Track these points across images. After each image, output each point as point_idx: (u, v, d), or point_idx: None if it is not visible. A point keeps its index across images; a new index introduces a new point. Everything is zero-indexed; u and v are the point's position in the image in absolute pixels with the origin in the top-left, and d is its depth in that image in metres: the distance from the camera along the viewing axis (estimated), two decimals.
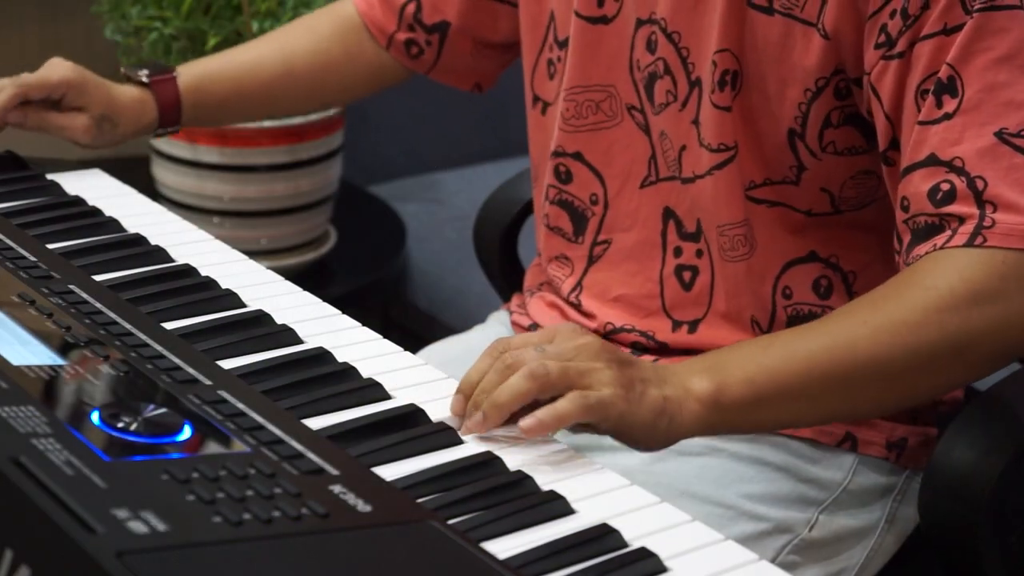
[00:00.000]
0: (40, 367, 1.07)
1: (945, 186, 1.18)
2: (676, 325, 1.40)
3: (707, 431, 1.13)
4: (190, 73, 1.61)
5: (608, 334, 1.43)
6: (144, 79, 1.58)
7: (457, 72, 1.65)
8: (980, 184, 1.16)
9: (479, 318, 1.66)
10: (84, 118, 1.53)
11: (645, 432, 1.09)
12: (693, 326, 1.39)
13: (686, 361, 1.16)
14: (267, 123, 2.15)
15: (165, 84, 1.58)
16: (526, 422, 1.05)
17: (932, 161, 1.19)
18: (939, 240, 1.17)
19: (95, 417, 1.00)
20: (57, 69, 1.54)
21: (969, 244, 1.15)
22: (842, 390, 1.16)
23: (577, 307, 1.46)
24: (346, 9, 1.66)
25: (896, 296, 1.16)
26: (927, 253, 1.17)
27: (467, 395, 1.09)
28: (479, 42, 1.61)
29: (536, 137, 1.51)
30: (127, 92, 1.57)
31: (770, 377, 1.13)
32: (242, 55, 1.66)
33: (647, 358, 1.40)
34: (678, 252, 1.39)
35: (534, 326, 1.50)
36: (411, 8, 1.60)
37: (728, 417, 1.13)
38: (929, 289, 1.15)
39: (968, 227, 1.16)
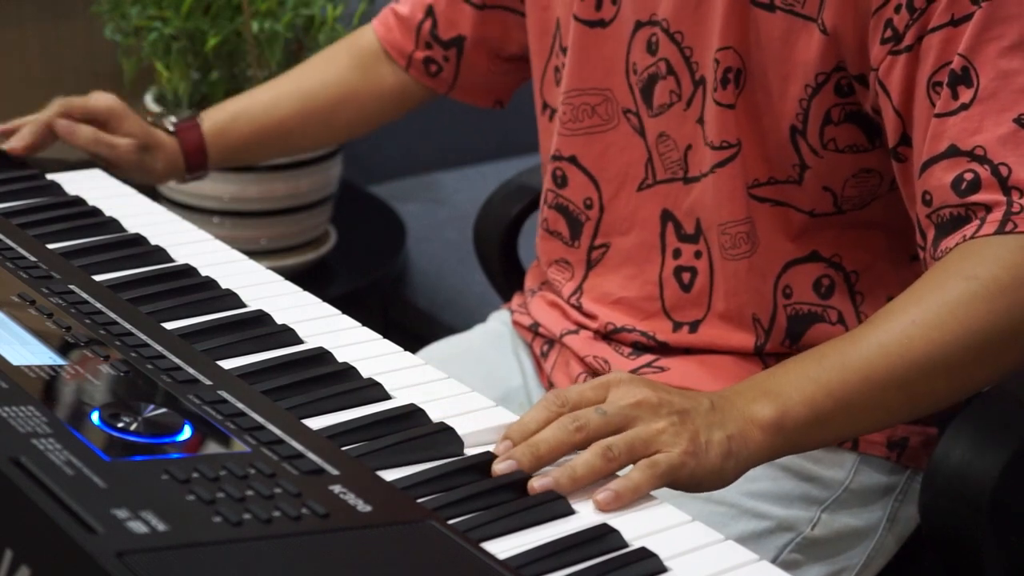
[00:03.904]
0: (40, 367, 1.07)
1: (969, 176, 1.17)
2: (677, 326, 1.40)
3: (771, 457, 1.11)
4: (212, 118, 1.64)
5: (609, 333, 1.43)
6: (170, 127, 1.62)
7: (476, 89, 1.66)
8: (1004, 171, 1.16)
9: (479, 318, 1.66)
10: (130, 142, 1.57)
11: (714, 477, 1.07)
12: (694, 326, 1.39)
13: (738, 387, 1.13)
14: None
15: (189, 131, 1.62)
16: (603, 496, 1.01)
17: (953, 152, 1.18)
18: (968, 230, 1.16)
19: (95, 417, 1.00)
20: (101, 97, 1.58)
21: (1000, 231, 1.15)
22: (902, 393, 1.14)
23: (578, 308, 1.47)
24: (364, 38, 1.68)
25: (938, 290, 1.14)
26: (956, 244, 1.17)
27: (517, 443, 1.05)
28: (495, 55, 1.62)
29: (544, 143, 1.52)
30: (163, 134, 1.62)
31: (829, 393, 1.11)
32: (262, 95, 1.69)
33: (647, 357, 1.41)
34: (677, 254, 1.39)
35: (535, 325, 1.50)
36: (427, 25, 1.62)
37: (792, 439, 1.11)
38: (971, 279, 1.13)
39: (996, 215, 1.15)
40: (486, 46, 1.61)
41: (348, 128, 1.74)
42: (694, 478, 1.06)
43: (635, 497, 1.02)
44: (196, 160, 1.63)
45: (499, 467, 1.02)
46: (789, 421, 1.10)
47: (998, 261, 1.14)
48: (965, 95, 1.18)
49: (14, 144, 1.55)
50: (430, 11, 1.62)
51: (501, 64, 1.63)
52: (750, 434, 1.08)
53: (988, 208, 1.16)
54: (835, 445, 1.36)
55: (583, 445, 1.04)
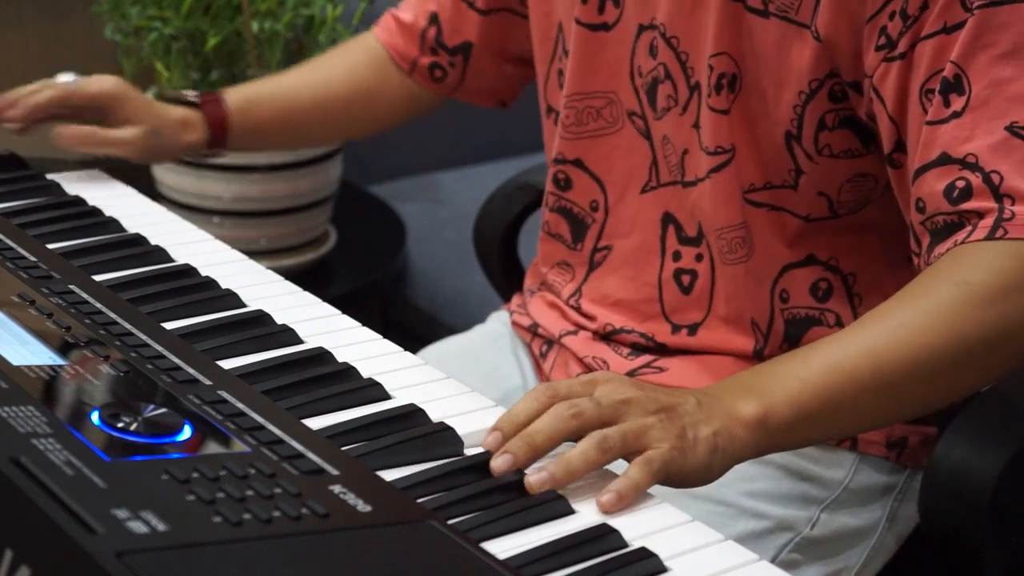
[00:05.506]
0: (40, 367, 1.07)
1: (961, 183, 1.17)
2: (676, 328, 1.40)
3: (756, 454, 1.11)
4: (236, 95, 1.61)
5: (608, 334, 1.43)
6: (193, 98, 1.58)
7: (481, 91, 1.66)
8: (996, 179, 1.16)
9: (479, 318, 1.66)
10: (134, 130, 1.53)
11: (700, 472, 1.07)
12: (693, 329, 1.39)
13: (724, 384, 1.13)
14: None
15: (213, 104, 1.59)
16: (606, 499, 1.01)
17: (945, 160, 1.18)
18: (960, 236, 1.16)
19: (95, 417, 1.00)
20: (98, 81, 1.54)
21: (990, 237, 1.14)
22: (887, 395, 1.14)
23: (577, 309, 1.46)
24: (373, 39, 1.67)
25: (927, 295, 1.14)
26: (949, 250, 1.17)
27: (507, 434, 1.04)
28: (501, 58, 1.61)
29: (549, 146, 1.52)
30: (172, 109, 1.57)
31: (815, 393, 1.11)
32: (283, 81, 1.66)
33: (646, 358, 1.41)
34: (677, 256, 1.39)
35: (534, 326, 1.50)
36: (432, 32, 1.61)
37: (776, 437, 1.11)
38: (960, 284, 1.13)
39: (988, 221, 1.15)
40: (492, 51, 1.60)
41: (362, 126, 1.72)
42: (681, 473, 1.06)
43: (636, 495, 1.02)
44: (219, 135, 1.59)
45: (497, 464, 1.02)
46: (773, 419, 1.10)
47: (988, 267, 1.13)
48: (957, 103, 1.18)
49: (12, 115, 1.52)
50: (434, 19, 1.61)
51: (507, 67, 1.62)
52: (734, 431, 1.08)
53: (980, 215, 1.16)
54: (827, 443, 1.36)
55: (576, 434, 1.04)
